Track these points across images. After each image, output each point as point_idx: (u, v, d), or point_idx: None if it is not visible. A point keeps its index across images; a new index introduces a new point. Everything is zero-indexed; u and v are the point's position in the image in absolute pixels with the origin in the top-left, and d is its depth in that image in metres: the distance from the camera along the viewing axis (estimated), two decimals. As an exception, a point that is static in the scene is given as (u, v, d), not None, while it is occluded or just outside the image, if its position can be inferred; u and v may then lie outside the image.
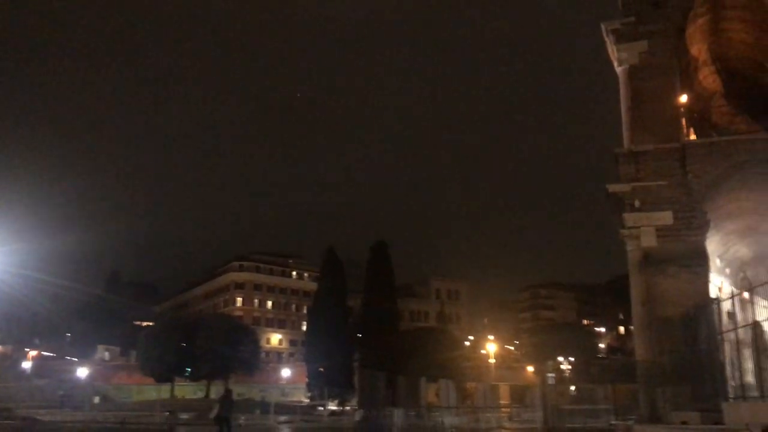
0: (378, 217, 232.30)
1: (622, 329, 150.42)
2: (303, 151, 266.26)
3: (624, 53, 25.89)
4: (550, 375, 75.31)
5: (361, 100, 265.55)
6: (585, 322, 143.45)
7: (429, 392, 35.72)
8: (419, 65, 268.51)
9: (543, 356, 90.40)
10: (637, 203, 21.44)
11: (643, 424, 17.60)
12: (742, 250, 30.17)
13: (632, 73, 25.44)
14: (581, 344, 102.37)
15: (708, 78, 32.66)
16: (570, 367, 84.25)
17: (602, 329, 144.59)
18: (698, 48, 30.30)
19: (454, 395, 33.48)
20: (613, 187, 22.00)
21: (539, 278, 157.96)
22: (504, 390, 42.67)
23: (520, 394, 43.34)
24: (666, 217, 21.19)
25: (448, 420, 30.45)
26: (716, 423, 15.30)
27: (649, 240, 21.23)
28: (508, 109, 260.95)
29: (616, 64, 27.10)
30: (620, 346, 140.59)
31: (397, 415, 27.76)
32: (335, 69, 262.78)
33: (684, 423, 15.84)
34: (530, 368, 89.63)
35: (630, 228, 21.58)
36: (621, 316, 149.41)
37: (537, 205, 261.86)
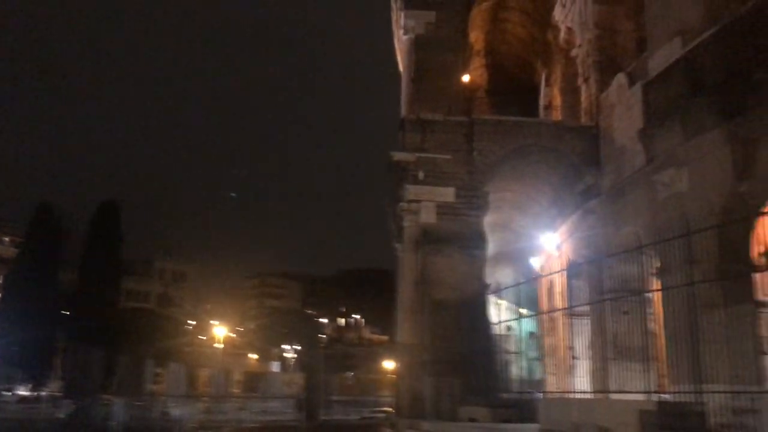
0: (98, 184, 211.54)
1: (342, 321, 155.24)
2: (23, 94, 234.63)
3: (411, 21, 24.16)
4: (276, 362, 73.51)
5: (107, 44, 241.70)
6: (309, 311, 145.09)
7: (155, 378, 31.08)
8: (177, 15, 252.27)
9: (269, 344, 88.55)
10: (421, 175, 19.65)
11: (430, 421, 15.52)
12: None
13: (418, 43, 23.78)
14: (306, 333, 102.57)
15: (478, 69, 32.68)
16: (296, 355, 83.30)
17: (325, 320, 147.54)
18: (476, 35, 29.92)
19: (184, 381, 29.31)
20: (398, 155, 20.00)
21: (269, 267, 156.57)
22: (237, 377, 39.28)
23: (253, 382, 40.29)
24: (448, 194, 19.68)
25: (180, 411, 26.23)
26: (505, 420, 13.76)
27: (428, 216, 19.54)
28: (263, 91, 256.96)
29: (401, 32, 25.35)
30: (339, 337, 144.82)
31: (118, 406, 22.82)
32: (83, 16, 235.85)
33: (472, 420, 14.03)
34: (254, 356, 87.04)
35: (410, 201, 19.66)
36: (343, 309, 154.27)
37: (275, 195, 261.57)
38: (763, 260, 15.15)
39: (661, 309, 16.03)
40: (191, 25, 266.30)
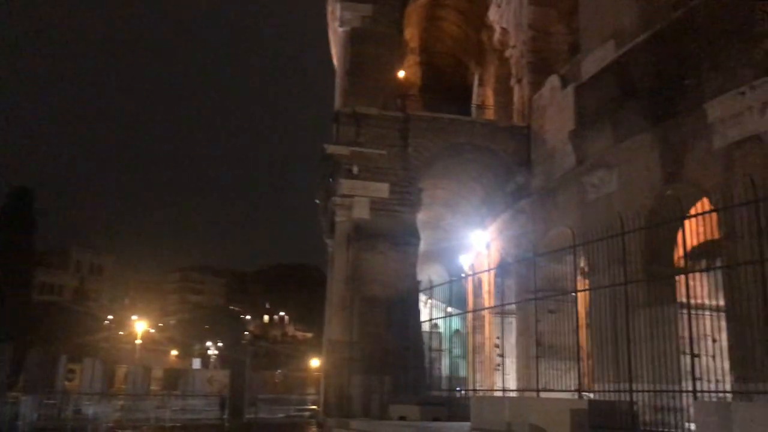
0: (11, 170, 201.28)
1: (266, 318, 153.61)
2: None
3: (347, 13, 23.83)
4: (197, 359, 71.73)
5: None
6: (233, 308, 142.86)
7: (68, 375, 29.52)
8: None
9: (190, 339, 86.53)
10: (355, 169, 19.32)
11: (358, 420, 15.19)
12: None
13: (354, 36, 23.49)
14: (229, 330, 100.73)
15: (412, 67, 32.63)
16: (217, 352, 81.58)
17: (249, 317, 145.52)
18: (411, 32, 29.84)
19: (99, 378, 27.95)
20: (331, 148, 19.61)
21: (191, 260, 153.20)
22: (157, 374, 37.89)
23: (173, 379, 38.96)
24: (382, 190, 19.45)
25: (95, 410, 24.98)
26: (435, 418, 13.62)
27: (362, 211, 19.25)
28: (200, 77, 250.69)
29: (337, 24, 24.96)
30: (264, 334, 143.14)
31: (27, 405, 21.43)
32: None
33: (402, 418, 13.81)
34: (174, 352, 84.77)
35: (344, 196, 19.32)
36: (267, 306, 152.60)
37: (199, 188, 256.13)
38: (684, 262, 15.60)
39: (585, 308, 16.30)
40: (113, 11, 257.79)
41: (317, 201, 23.50)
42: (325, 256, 27.28)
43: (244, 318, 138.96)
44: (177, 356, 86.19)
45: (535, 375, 14.99)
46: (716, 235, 13.13)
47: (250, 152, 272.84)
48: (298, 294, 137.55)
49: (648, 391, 11.70)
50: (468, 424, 11.96)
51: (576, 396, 13.50)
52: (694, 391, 10.12)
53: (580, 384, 12.66)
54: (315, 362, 64.76)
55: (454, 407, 14.81)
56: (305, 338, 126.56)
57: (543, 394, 13.57)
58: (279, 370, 54.85)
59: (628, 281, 12.96)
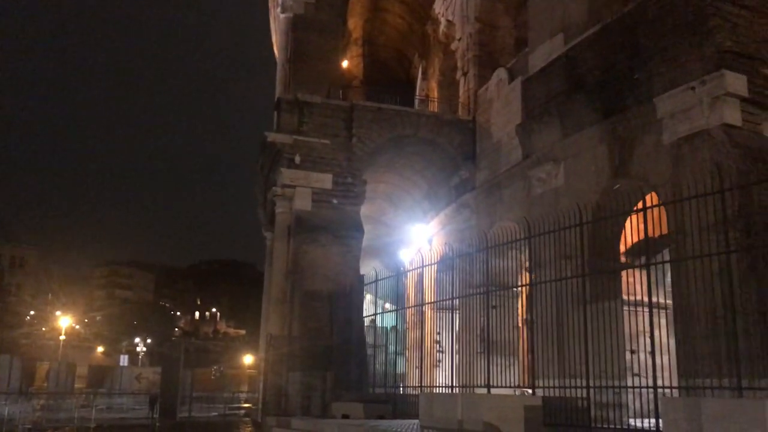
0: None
1: (197, 314, 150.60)
2: None
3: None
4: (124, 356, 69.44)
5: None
6: (162, 303, 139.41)
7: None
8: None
9: (118, 335, 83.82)
10: (297, 159, 18.65)
11: (300, 418, 14.51)
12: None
13: (296, 23, 22.84)
14: (159, 326, 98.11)
15: (354, 59, 32.12)
16: (146, 348, 79.17)
17: (179, 313, 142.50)
18: (355, 22, 29.36)
19: (18, 376, 26.35)
20: (272, 136, 18.88)
21: (119, 255, 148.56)
22: (82, 371, 36.17)
23: (99, 377, 37.26)
24: (325, 180, 18.85)
25: (11, 410, 23.47)
26: (380, 416, 13.12)
27: (303, 203, 18.61)
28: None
29: (279, 10, 24.22)
30: (194, 331, 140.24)
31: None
32: None
33: (345, 416, 13.25)
34: (101, 348, 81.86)
35: (285, 186, 18.63)
36: (198, 302, 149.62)
37: (128, 179, 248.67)
38: (625, 258, 15.59)
39: (528, 303, 16.10)
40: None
41: (256, 190, 22.71)
42: (262, 251, 26.49)
43: (175, 314, 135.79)
44: (103, 353, 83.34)
45: (477, 371, 14.70)
46: (657, 232, 13.07)
47: (184, 144, 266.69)
48: (231, 290, 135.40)
49: (601, 387, 11.49)
50: (415, 421, 11.53)
51: (517, 392, 13.26)
52: (655, 387, 9.93)
53: (533, 380, 12.39)
54: (248, 359, 63.49)
55: (398, 405, 14.38)
56: (238, 335, 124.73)
57: (480, 390, 13.27)
58: (215, 367, 53.54)
59: (580, 275, 12.74)
